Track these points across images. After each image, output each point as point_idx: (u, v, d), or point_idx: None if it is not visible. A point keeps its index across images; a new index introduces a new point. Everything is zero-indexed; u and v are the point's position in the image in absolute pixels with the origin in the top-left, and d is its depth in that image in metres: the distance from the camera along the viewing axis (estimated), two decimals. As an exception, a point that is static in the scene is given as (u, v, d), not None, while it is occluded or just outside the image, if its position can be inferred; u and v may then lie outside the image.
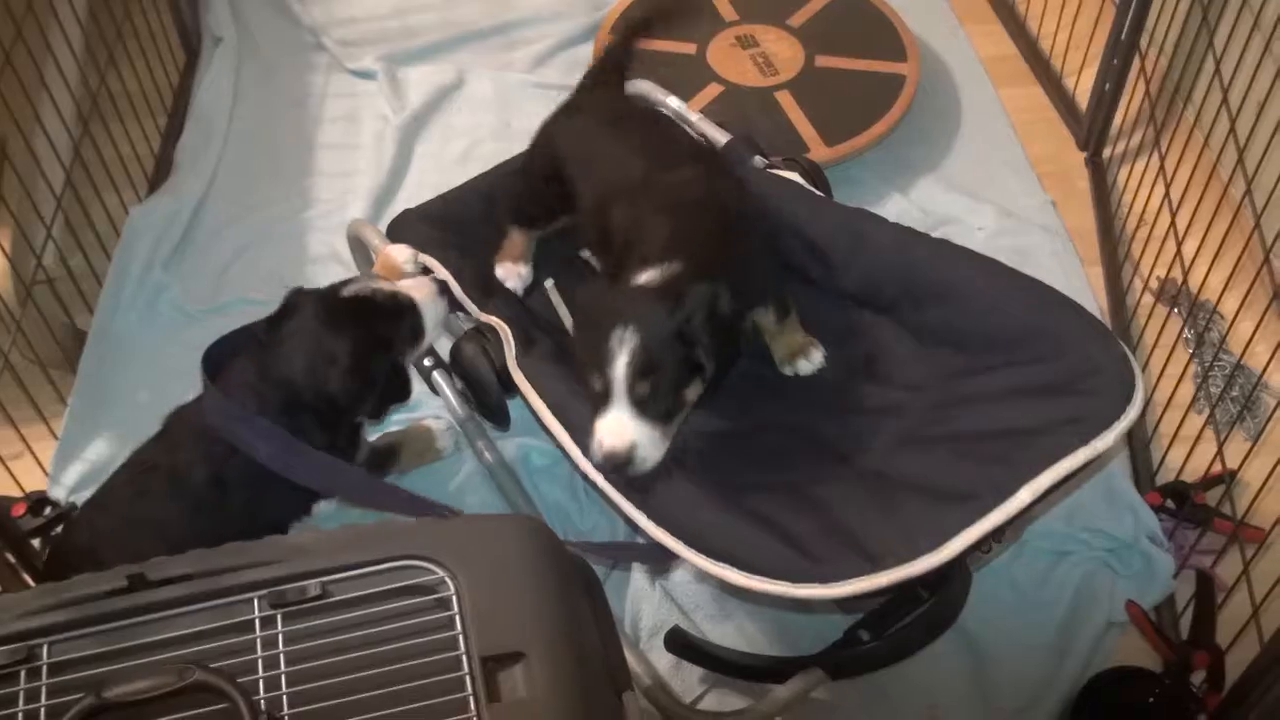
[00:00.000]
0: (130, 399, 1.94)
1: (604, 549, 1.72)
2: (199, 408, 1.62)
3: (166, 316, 2.09)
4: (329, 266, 2.17)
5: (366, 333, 1.63)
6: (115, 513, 1.59)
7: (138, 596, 1.11)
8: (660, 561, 1.70)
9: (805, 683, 1.55)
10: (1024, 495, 1.36)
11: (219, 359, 1.64)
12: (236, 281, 2.15)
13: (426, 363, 1.74)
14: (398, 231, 1.91)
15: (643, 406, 1.42)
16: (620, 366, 1.41)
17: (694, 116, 2.05)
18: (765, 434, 1.63)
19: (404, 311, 1.69)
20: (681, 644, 1.62)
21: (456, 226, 1.92)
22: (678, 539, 1.44)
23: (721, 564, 1.40)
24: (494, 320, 1.73)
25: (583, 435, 1.55)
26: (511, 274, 1.84)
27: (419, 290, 1.72)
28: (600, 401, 1.44)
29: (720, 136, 1.98)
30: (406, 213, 1.96)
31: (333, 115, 2.49)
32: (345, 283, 1.68)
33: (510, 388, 1.69)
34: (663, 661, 1.65)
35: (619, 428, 1.43)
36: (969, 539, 1.34)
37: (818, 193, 1.87)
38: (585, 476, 1.55)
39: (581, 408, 1.58)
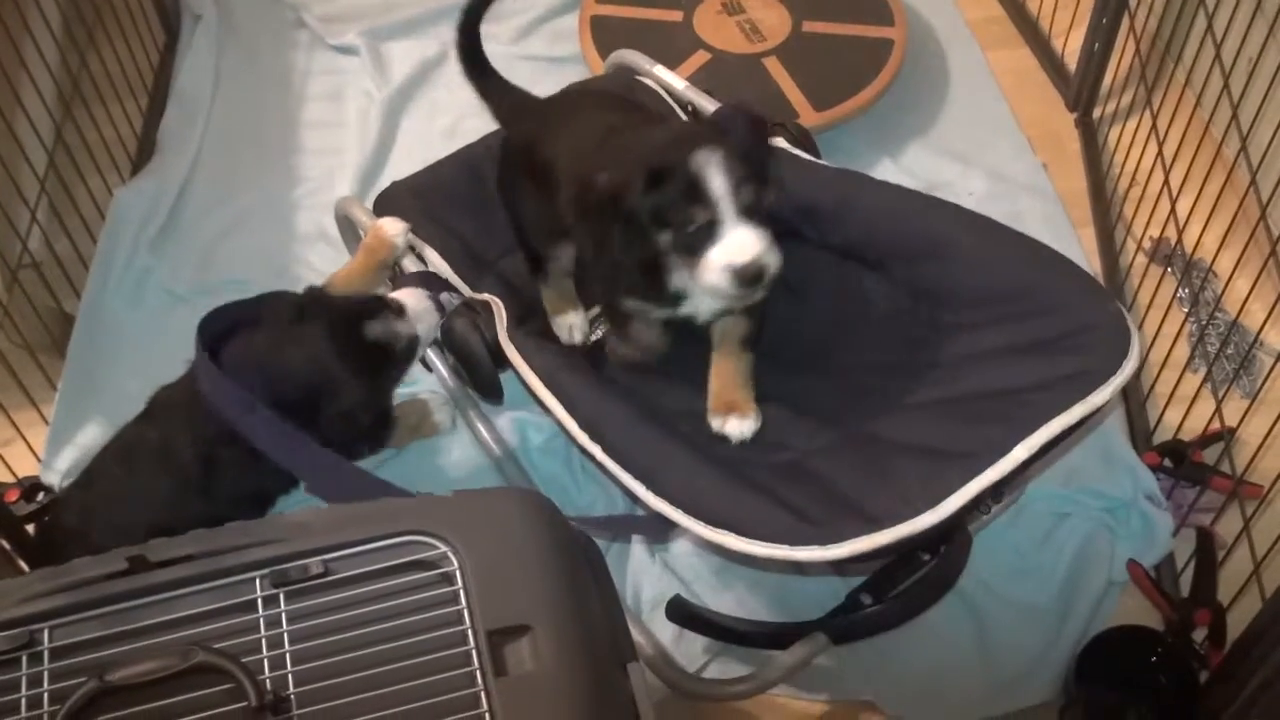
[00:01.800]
0: (120, 382, 1.93)
1: (604, 523, 1.72)
2: (187, 384, 1.61)
3: (154, 299, 2.07)
4: (316, 245, 2.15)
5: (379, 377, 1.68)
6: (103, 492, 1.58)
7: (138, 578, 1.10)
8: (660, 533, 1.70)
9: (808, 648, 1.55)
10: (1020, 453, 1.36)
11: (214, 333, 1.63)
12: (224, 262, 2.13)
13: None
14: (385, 206, 1.89)
15: (750, 215, 1.40)
16: (719, 184, 1.38)
17: (681, 85, 2.03)
18: (759, 400, 1.63)
19: (412, 350, 1.73)
20: (683, 613, 1.62)
21: (444, 199, 1.90)
22: (676, 507, 1.44)
23: (720, 530, 1.40)
24: (486, 296, 1.72)
25: (577, 406, 1.55)
26: (565, 328, 1.78)
27: (417, 305, 1.72)
28: (705, 236, 1.40)
29: (709, 105, 1.97)
30: (394, 186, 1.94)
31: (316, 93, 2.47)
32: (365, 309, 1.68)
33: (502, 363, 1.68)
34: (665, 633, 1.65)
35: (745, 239, 1.39)
36: (966, 496, 1.34)
37: (805, 155, 1.85)
38: (583, 449, 1.55)
39: (573, 378, 1.58)
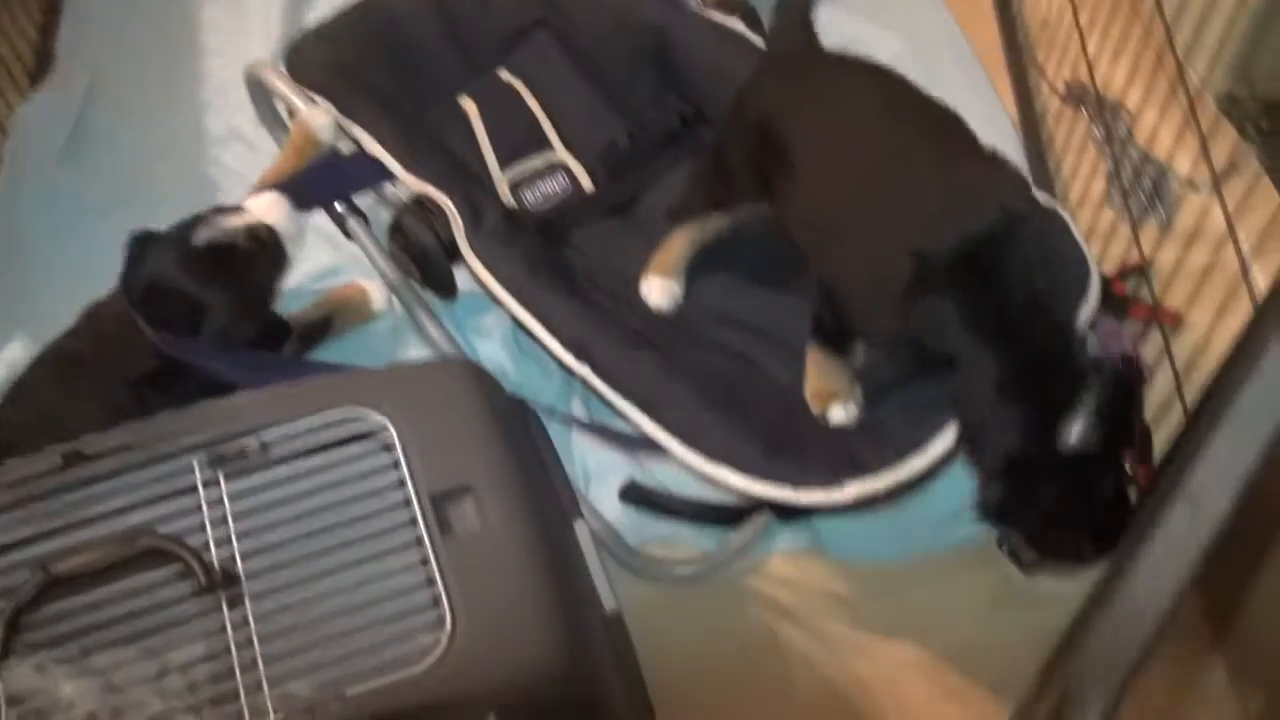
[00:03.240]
0: (41, 299, 1.89)
1: (589, 427, 1.68)
2: (120, 304, 1.59)
3: (68, 213, 2.02)
4: (231, 145, 2.10)
5: (239, 282, 1.59)
6: (36, 407, 1.56)
7: (75, 472, 1.10)
8: (643, 450, 1.65)
9: (757, 526, 1.59)
10: None
11: (137, 262, 1.59)
12: (136, 171, 2.08)
13: (339, 208, 1.71)
14: (297, 64, 1.80)
15: None
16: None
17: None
18: (757, 338, 1.64)
19: (262, 240, 1.62)
20: (637, 495, 1.65)
21: (359, 47, 1.82)
22: (675, 437, 1.45)
23: (719, 465, 1.42)
24: (432, 191, 1.66)
25: (558, 325, 1.54)
26: (662, 292, 1.66)
27: (271, 213, 1.64)
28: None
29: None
30: (305, 41, 1.85)
31: (215, -10, 2.39)
32: (192, 224, 1.61)
33: (455, 257, 1.65)
34: (610, 504, 1.67)
35: None
36: (948, 440, 1.39)
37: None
38: (567, 369, 1.55)
39: (544, 294, 1.56)
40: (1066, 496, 1.29)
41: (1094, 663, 0.85)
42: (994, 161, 1.41)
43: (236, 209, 1.64)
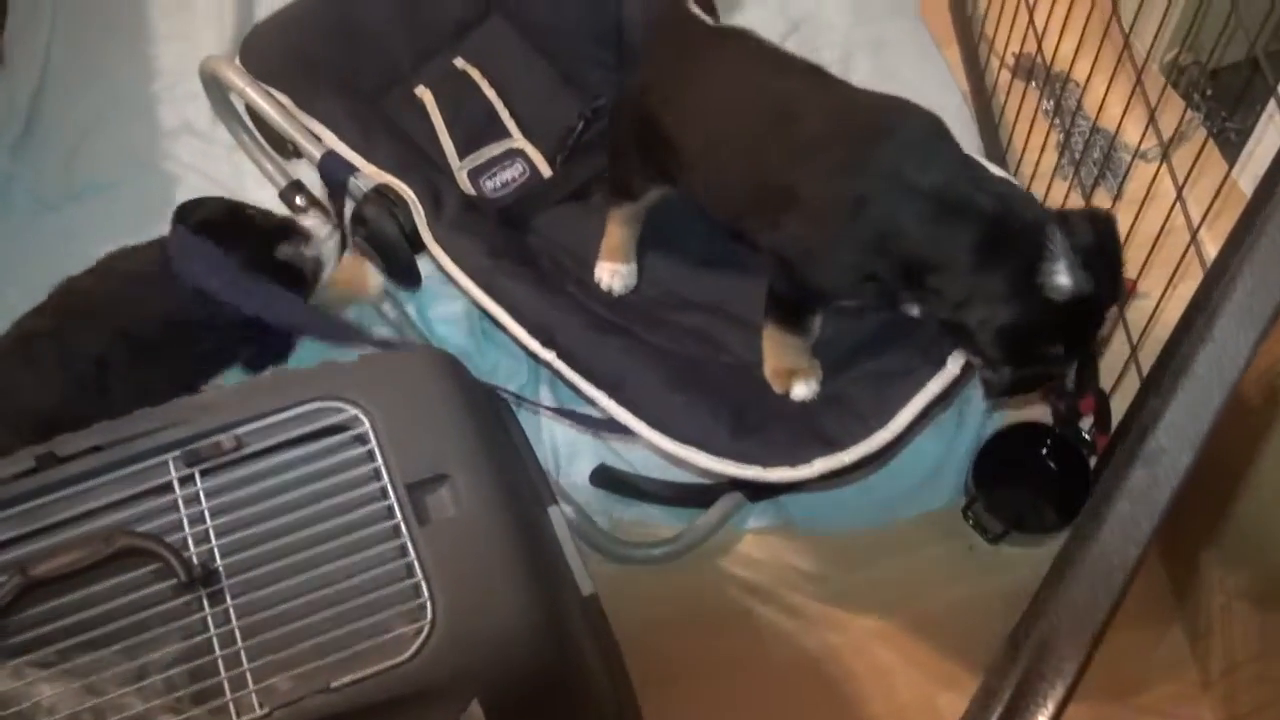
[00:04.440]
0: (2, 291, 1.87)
1: (559, 412, 1.69)
2: (93, 281, 1.59)
3: (22, 206, 2.01)
4: (182, 138, 2.08)
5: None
6: None
7: (49, 474, 1.10)
8: (612, 433, 1.68)
9: (726, 507, 1.61)
10: (953, 368, 1.43)
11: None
12: (88, 164, 2.06)
13: (299, 201, 1.71)
14: (252, 56, 1.78)
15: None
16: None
17: None
18: (717, 318, 1.65)
19: (317, 275, 1.72)
20: (607, 478, 1.66)
21: (317, 46, 1.81)
22: (642, 420, 1.46)
23: (688, 447, 1.43)
24: (392, 181, 1.65)
25: (523, 312, 1.54)
26: (613, 275, 1.68)
27: (320, 230, 1.71)
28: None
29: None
30: (259, 32, 1.83)
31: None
32: (279, 231, 1.67)
33: (418, 247, 1.64)
34: (581, 488, 1.69)
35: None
36: (913, 411, 1.41)
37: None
38: (536, 357, 1.55)
39: (508, 282, 1.56)
40: (1072, 349, 1.29)
41: (1064, 621, 0.87)
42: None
43: (304, 229, 1.70)
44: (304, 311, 1.65)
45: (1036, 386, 1.39)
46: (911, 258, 1.29)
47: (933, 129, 1.35)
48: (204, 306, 1.57)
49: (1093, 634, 0.86)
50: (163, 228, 1.64)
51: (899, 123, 1.35)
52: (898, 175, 1.30)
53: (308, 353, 1.78)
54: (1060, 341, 1.28)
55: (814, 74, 1.47)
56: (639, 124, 1.54)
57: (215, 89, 1.87)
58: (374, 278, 1.80)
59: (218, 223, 1.62)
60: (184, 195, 1.72)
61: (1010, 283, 1.24)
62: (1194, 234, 1.44)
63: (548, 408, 1.71)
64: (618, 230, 1.67)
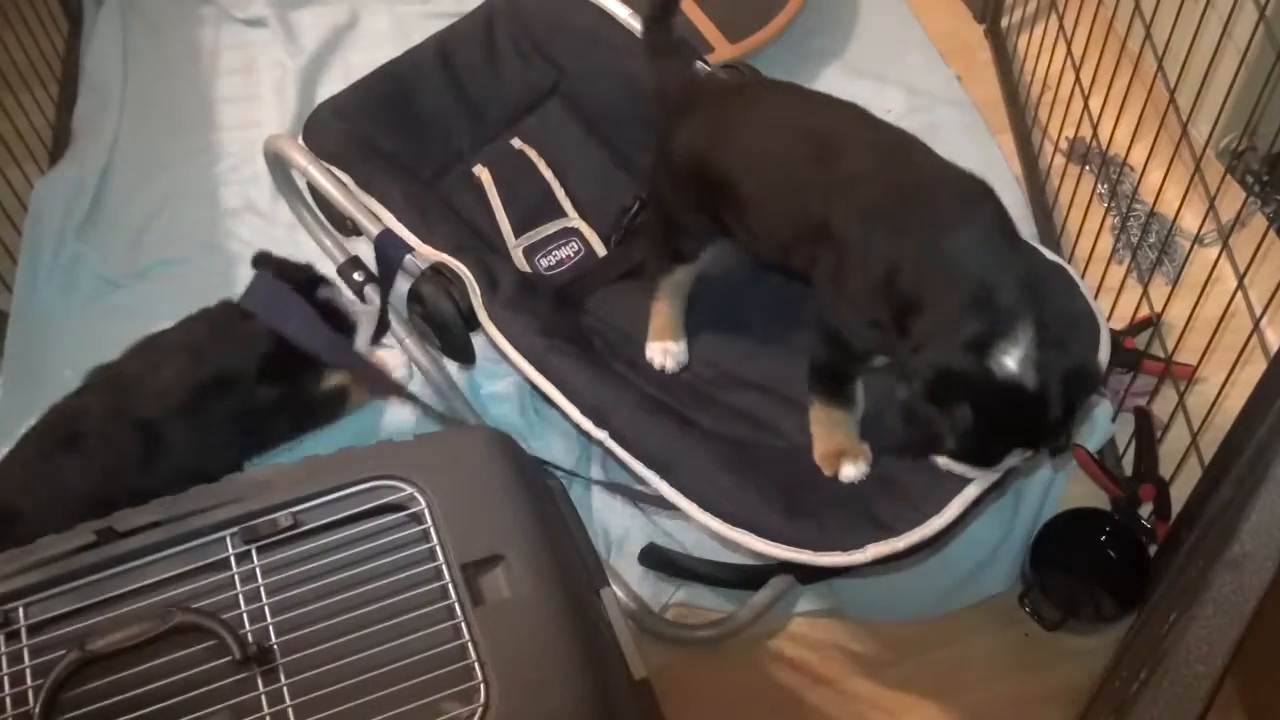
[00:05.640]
0: (61, 373, 1.90)
1: (616, 489, 1.70)
2: (124, 366, 1.63)
3: (87, 286, 2.05)
4: (245, 218, 2.13)
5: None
6: (33, 467, 1.57)
7: (108, 549, 1.10)
8: (664, 510, 1.69)
9: (777, 589, 1.59)
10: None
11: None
12: (154, 244, 2.11)
13: (357, 277, 1.73)
14: (314, 136, 1.83)
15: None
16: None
17: (624, 13, 1.98)
18: (769, 399, 1.64)
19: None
20: (657, 559, 1.65)
21: (371, 118, 1.86)
22: (693, 502, 1.45)
23: (739, 529, 1.42)
24: (448, 260, 1.67)
25: (576, 391, 1.55)
26: (665, 354, 1.68)
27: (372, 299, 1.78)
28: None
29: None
30: (321, 114, 1.87)
31: (228, 67, 2.43)
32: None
33: (473, 325, 1.66)
34: (631, 570, 1.68)
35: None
36: (967, 499, 1.39)
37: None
38: (586, 435, 1.55)
39: (561, 361, 1.57)
40: (983, 419, 1.26)
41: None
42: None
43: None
44: (362, 359, 1.74)
45: (927, 451, 1.36)
46: (907, 299, 1.30)
47: (987, 202, 1.36)
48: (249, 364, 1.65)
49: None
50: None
51: (956, 189, 1.37)
52: (934, 231, 1.31)
53: (360, 423, 1.81)
54: (987, 418, 1.26)
55: (860, 113, 1.49)
56: (689, 179, 1.55)
57: (278, 166, 1.91)
58: (398, 368, 1.85)
59: (290, 272, 1.73)
60: (246, 273, 1.75)
61: (966, 341, 1.25)
62: (1257, 322, 1.43)
63: (600, 482, 1.70)
64: (665, 308, 1.68)
